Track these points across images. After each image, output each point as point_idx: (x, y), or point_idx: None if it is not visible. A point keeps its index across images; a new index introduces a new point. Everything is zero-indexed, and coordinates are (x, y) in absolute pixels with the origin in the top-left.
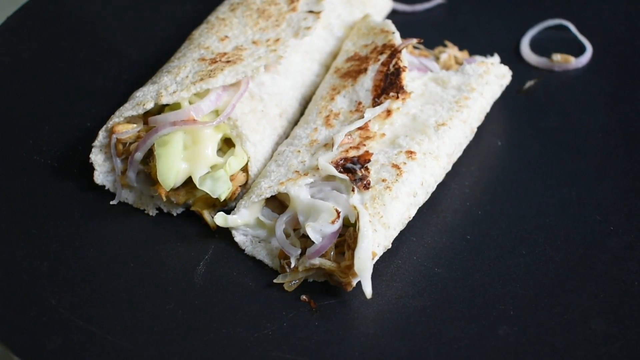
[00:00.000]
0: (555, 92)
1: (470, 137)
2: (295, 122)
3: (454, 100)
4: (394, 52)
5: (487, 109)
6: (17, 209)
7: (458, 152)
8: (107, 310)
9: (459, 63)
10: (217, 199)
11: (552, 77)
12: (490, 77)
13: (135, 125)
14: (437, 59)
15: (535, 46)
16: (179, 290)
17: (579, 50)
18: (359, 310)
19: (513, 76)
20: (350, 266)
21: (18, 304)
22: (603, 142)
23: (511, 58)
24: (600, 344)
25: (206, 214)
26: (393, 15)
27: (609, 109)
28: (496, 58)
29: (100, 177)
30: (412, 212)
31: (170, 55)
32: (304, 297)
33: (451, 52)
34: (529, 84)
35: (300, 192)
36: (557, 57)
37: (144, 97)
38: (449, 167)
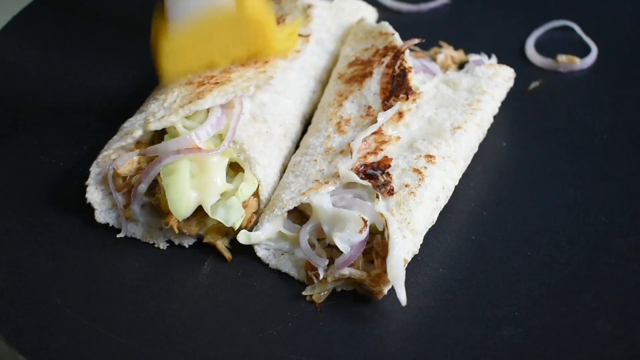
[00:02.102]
0: (560, 93)
1: (482, 139)
2: (297, 142)
3: (466, 103)
4: (397, 54)
5: (496, 111)
6: (22, 208)
7: (471, 156)
8: (112, 310)
9: (456, 63)
10: (232, 228)
11: (557, 78)
12: (499, 80)
13: (134, 156)
14: (433, 60)
15: (540, 47)
16: (184, 290)
17: (584, 51)
18: (364, 311)
19: (518, 77)
20: (381, 274)
21: (23, 303)
22: (608, 143)
23: (516, 59)
24: (605, 345)
25: (220, 244)
26: (398, 15)
27: (615, 110)
28: (493, 59)
29: (102, 215)
30: (435, 217)
31: None
32: (308, 297)
33: (447, 52)
34: (534, 84)
35: (322, 201)
36: (562, 58)
37: (132, 126)
38: (464, 171)
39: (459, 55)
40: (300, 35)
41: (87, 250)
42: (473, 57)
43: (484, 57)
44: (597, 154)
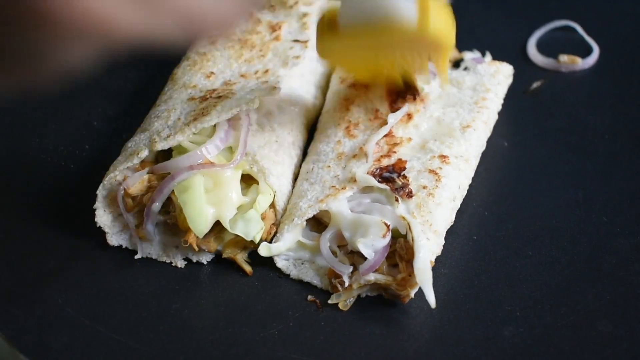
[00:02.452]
0: (562, 93)
1: (489, 136)
2: (304, 149)
3: (472, 102)
4: None
5: (500, 108)
6: (23, 207)
7: (480, 154)
8: (113, 309)
9: (451, 61)
10: (250, 241)
11: (559, 78)
12: (501, 77)
13: (143, 175)
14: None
15: (541, 47)
16: (185, 290)
17: (585, 51)
18: (365, 310)
19: (519, 77)
20: (407, 278)
21: (24, 303)
22: (610, 143)
23: (517, 59)
24: (606, 345)
25: (239, 258)
26: None
27: (616, 110)
28: (488, 57)
29: (114, 238)
30: (453, 217)
31: (178, 53)
32: (310, 297)
33: None
34: (536, 84)
35: (341, 207)
36: (564, 58)
37: (137, 146)
38: (475, 169)
39: (453, 53)
40: (298, 41)
41: (87, 249)
42: (467, 55)
43: (476, 53)
44: (599, 154)
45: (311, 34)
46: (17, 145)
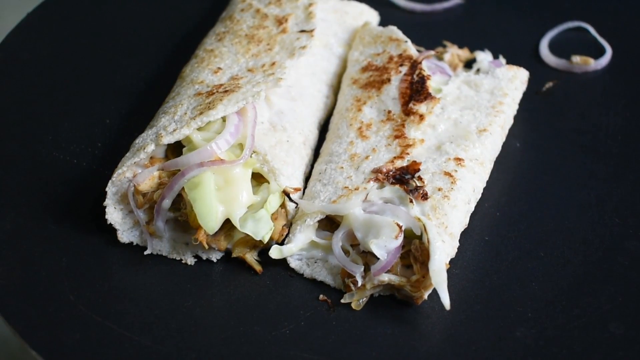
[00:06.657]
0: (575, 94)
1: (504, 140)
2: (315, 148)
3: (489, 105)
4: (415, 64)
5: (515, 112)
6: (36, 205)
7: (495, 157)
8: (125, 307)
9: (462, 61)
10: (259, 240)
11: (571, 78)
12: (518, 82)
13: (154, 171)
14: (440, 59)
15: (554, 48)
16: (197, 288)
17: (598, 52)
18: (377, 310)
19: (532, 77)
20: (421, 280)
21: (36, 300)
22: (622, 144)
23: (530, 59)
24: (618, 347)
25: (249, 258)
26: (411, 15)
27: (629, 111)
28: (502, 60)
29: (125, 235)
30: (467, 220)
31: (189, 52)
32: (321, 296)
33: (453, 50)
34: (548, 85)
35: (354, 208)
36: (577, 58)
37: (144, 142)
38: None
39: (465, 53)
40: (304, 31)
41: (100, 247)
42: (479, 55)
43: (487, 53)
44: (611, 155)
45: (317, 22)
46: (31, 143)
